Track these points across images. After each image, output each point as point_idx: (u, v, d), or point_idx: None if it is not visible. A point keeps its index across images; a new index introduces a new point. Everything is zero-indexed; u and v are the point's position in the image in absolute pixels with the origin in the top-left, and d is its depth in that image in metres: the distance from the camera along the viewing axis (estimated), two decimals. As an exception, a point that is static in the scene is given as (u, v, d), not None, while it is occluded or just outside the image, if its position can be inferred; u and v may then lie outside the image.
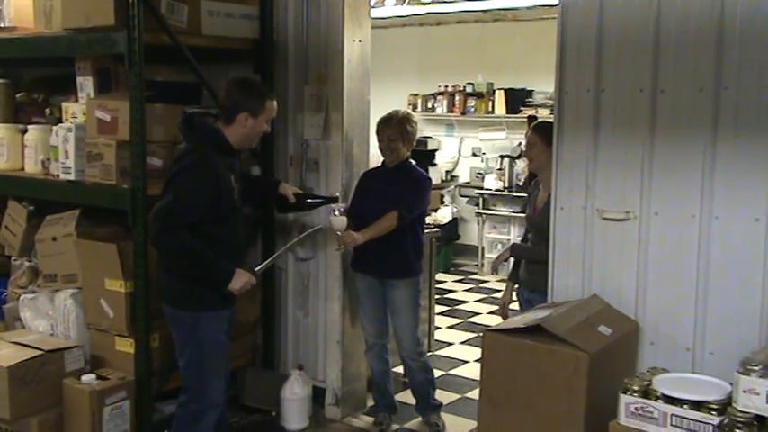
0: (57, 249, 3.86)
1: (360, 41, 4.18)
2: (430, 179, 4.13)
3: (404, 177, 3.98)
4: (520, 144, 7.52)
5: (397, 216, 3.82)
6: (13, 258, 4.26)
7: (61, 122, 3.93)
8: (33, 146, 4.07)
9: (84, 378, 3.49)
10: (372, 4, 4.46)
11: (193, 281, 3.18)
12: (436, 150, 8.61)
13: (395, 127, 3.96)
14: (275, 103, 3.33)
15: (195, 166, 3.12)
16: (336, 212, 3.75)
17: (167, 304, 3.29)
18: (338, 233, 3.79)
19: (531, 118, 6.99)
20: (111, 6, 3.40)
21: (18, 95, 4.55)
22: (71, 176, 3.75)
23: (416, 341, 4.09)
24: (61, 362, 3.54)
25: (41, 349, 3.53)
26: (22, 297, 4.00)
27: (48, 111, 4.29)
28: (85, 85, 3.86)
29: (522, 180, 7.62)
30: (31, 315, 3.93)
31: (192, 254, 3.11)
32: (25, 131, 4.15)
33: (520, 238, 4.25)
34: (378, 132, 4.02)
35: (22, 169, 4.17)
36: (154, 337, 3.62)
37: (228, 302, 3.30)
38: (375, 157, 4.66)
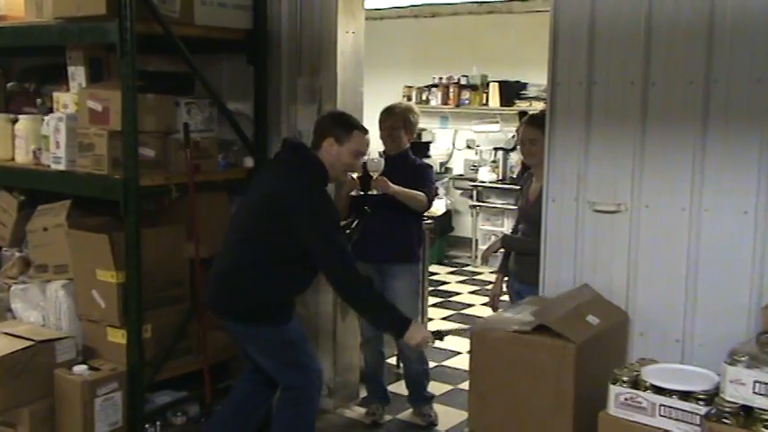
0: (48, 240, 3.85)
1: (353, 33, 4.17)
2: (431, 166, 4.26)
3: (406, 165, 4.03)
4: (514, 136, 7.52)
5: (426, 199, 3.97)
6: (4, 249, 4.25)
7: (52, 112, 3.92)
8: (24, 135, 4.05)
9: (76, 369, 3.49)
10: (366, -5, 4.45)
11: (281, 301, 3.25)
12: (430, 142, 8.61)
13: (397, 115, 4.04)
14: (367, 138, 3.35)
15: (321, 199, 3.18)
16: (375, 157, 3.87)
17: (244, 324, 3.24)
18: (372, 174, 3.86)
19: (523, 114, 6.97)
20: (103, -5, 3.39)
21: (9, 85, 4.53)
22: (62, 166, 3.74)
23: None
24: (52, 353, 3.54)
25: (32, 340, 3.52)
26: (13, 288, 4.00)
27: (39, 100, 4.27)
28: (77, 74, 3.85)
29: (516, 172, 7.63)
30: (23, 306, 3.93)
31: (376, 296, 3.30)
32: (16, 121, 4.13)
33: (511, 230, 4.25)
34: (380, 121, 4.08)
35: (13, 159, 4.14)
36: (146, 327, 3.62)
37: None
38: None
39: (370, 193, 3.88)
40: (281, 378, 3.29)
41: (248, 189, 3.45)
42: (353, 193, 3.95)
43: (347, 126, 3.29)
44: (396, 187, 3.87)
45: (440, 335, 3.35)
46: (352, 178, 3.89)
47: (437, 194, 4.17)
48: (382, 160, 3.91)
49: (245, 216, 3.33)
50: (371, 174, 3.87)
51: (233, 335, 3.38)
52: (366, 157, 3.76)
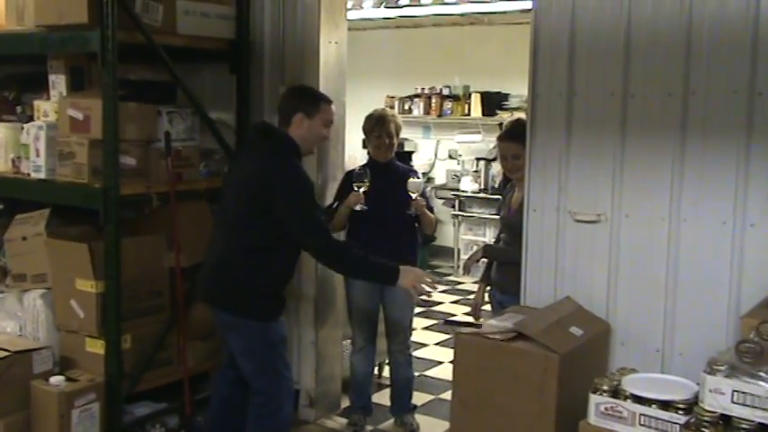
0: (26, 249, 3.82)
1: (336, 43, 4.18)
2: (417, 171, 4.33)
3: (398, 172, 4.05)
4: (495, 147, 7.55)
5: (435, 224, 4.17)
6: (-18, 258, 4.20)
7: (32, 120, 3.89)
8: (3, 144, 4.01)
9: (53, 380, 3.45)
10: (349, 6, 4.47)
11: (266, 292, 3.27)
12: (413, 152, 8.62)
13: (391, 122, 4.08)
14: (333, 107, 3.42)
15: (296, 175, 3.22)
16: (415, 177, 3.98)
17: (232, 313, 3.27)
18: (412, 194, 3.91)
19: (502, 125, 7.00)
20: (85, 4, 3.37)
21: (-12, 93, 4.49)
22: (42, 175, 3.71)
23: (410, 335, 4.19)
24: (29, 363, 3.49)
25: (9, 350, 3.47)
26: (-10, 297, 3.96)
27: (19, 108, 4.23)
28: (58, 83, 3.82)
29: (498, 183, 7.66)
30: None
31: (360, 258, 3.29)
32: (-5, 129, 4.10)
33: (494, 240, 4.28)
34: (373, 130, 4.08)
35: (-8, 168, 4.11)
36: (125, 338, 3.60)
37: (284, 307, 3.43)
38: (351, 159, 4.67)
39: (409, 212, 3.96)
40: (255, 381, 3.31)
41: (226, 179, 3.52)
42: (357, 208, 3.89)
43: (314, 99, 3.37)
44: (426, 210, 4.01)
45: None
46: (357, 192, 3.87)
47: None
48: (422, 182, 3.99)
49: (227, 206, 3.37)
50: (411, 193, 3.91)
51: (220, 326, 3.41)
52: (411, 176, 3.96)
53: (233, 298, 3.26)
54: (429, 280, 3.29)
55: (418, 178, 4.00)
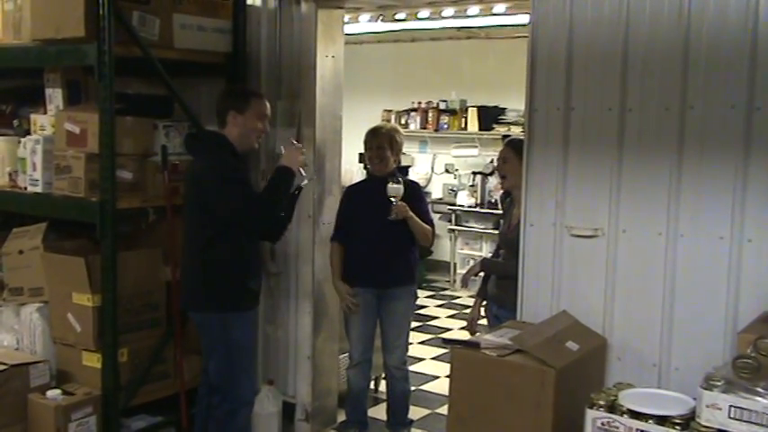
0: (23, 262, 3.81)
1: (333, 57, 4.20)
2: (419, 183, 4.30)
3: None
4: (492, 161, 7.57)
5: (431, 232, 4.06)
6: (-22, 271, 4.19)
7: (29, 134, 3.89)
8: (0, 158, 4.02)
9: (50, 393, 3.45)
10: (346, 19, 4.49)
11: (222, 281, 3.39)
12: (409, 166, 8.62)
13: (384, 136, 4.06)
14: (265, 101, 3.53)
15: (221, 168, 3.34)
16: (394, 182, 3.90)
17: (196, 311, 3.49)
18: (393, 200, 3.87)
19: (505, 137, 7.02)
20: (82, 18, 3.38)
21: (-14, 106, 4.49)
22: (39, 189, 3.71)
23: (406, 350, 4.18)
24: (26, 377, 3.48)
25: (6, 364, 3.47)
26: (-14, 311, 3.94)
27: (16, 122, 4.24)
28: (54, 96, 3.83)
29: (495, 197, 7.67)
30: (-4, 329, 3.87)
31: (270, 201, 3.40)
32: (-8, 143, 4.10)
33: (490, 254, 4.28)
34: (366, 142, 4.10)
35: (-11, 181, 4.11)
36: (122, 351, 3.59)
37: (253, 303, 3.55)
38: (348, 173, 4.68)
39: (389, 218, 3.88)
40: (215, 379, 3.46)
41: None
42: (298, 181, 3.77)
43: (243, 96, 3.51)
44: (413, 214, 3.93)
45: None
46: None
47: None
48: (401, 186, 3.90)
49: (186, 213, 3.52)
50: (391, 198, 3.88)
51: (197, 329, 3.59)
52: (389, 182, 3.88)
53: (198, 295, 3.43)
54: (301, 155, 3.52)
55: (398, 183, 3.90)
